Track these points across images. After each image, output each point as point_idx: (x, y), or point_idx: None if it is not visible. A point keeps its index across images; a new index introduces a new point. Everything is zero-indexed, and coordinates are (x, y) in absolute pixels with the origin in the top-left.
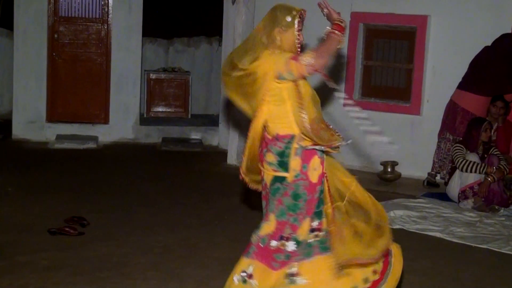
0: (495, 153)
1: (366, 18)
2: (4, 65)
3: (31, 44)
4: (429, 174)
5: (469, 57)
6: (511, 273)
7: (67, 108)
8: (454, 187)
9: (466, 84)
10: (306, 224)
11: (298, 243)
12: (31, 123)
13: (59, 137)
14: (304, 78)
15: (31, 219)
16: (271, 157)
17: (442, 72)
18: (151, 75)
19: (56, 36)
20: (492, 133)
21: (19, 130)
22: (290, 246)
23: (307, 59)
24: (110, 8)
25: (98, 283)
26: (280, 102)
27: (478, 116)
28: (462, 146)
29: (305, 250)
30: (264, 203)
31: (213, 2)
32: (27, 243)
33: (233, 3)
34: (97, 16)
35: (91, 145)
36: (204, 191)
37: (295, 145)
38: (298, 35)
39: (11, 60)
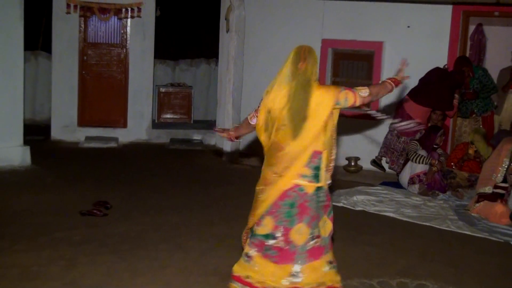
0: (438, 151)
1: (334, 43)
2: (45, 81)
3: (65, 64)
4: (376, 157)
5: (415, 75)
6: (448, 246)
7: (94, 115)
8: (405, 175)
9: (414, 94)
10: None
11: None
12: (66, 127)
13: (87, 138)
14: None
15: (66, 203)
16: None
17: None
18: (161, 89)
19: (85, 58)
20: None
21: (56, 133)
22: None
23: (362, 92)
24: (128, 35)
25: (119, 253)
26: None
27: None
28: (417, 143)
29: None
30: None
31: (211, 30)
32: (63, 223)
33: (227, 31)
34: (118, 42)
35: (112, 144)
36: (204, 181)
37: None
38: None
39: (49, 77)
